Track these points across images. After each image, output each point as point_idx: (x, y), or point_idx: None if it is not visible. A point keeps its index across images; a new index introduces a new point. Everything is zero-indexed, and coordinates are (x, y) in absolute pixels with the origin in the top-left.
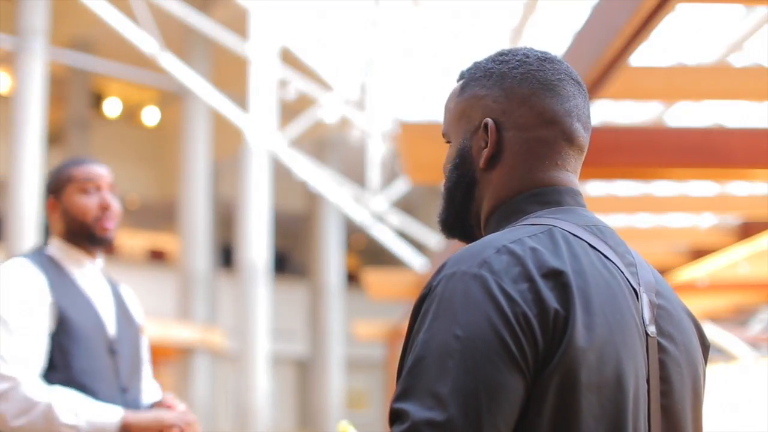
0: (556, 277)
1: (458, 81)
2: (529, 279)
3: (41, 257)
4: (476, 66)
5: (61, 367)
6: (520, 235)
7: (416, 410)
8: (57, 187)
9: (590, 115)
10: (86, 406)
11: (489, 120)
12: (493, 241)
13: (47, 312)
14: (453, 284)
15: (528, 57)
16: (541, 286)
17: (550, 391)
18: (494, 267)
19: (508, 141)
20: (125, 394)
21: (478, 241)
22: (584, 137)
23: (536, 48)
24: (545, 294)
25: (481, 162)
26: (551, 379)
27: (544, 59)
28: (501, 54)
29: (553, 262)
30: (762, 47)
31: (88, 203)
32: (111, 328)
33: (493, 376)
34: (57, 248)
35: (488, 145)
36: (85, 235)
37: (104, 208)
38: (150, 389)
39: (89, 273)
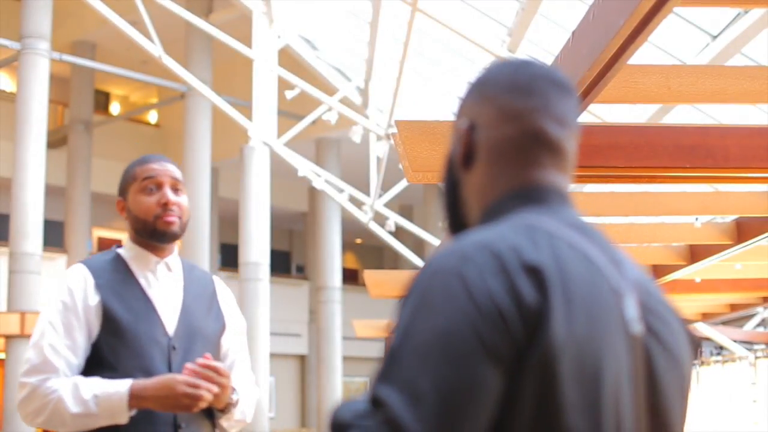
0: (536, 272)
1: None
2: (508, 275)
3: (104, 258)
4: (476, 76)
5: (110, 366)
6: (501, 232)
7: (395, 402)
8: (123, 188)
9: (571, 113)
10: (93, 387)
11: (463, 122)
12: (474, 238)
13: (93, 312)
14: (434, 281)
15: (509, 63)
16: (521, 281)
17: (531, 386)
18: (474, 263)
19: (479, 141)
20: None
21: (460, 239)
22: (557, 134)
23: (524, 56)
24: (524, 289)
25: (457, 162)
26: (531, 373)
27: (523, 63)
28: (493, 63)
29: (534, 258)
30: (760, 48)
31: (148, 201)
32: (171, 326)
33: (471, 373)
34: (126, 248)
35: (461, 145)
36: (149, 233)
37: (163, 204)
38: (239, 382)
39: (158, 272)
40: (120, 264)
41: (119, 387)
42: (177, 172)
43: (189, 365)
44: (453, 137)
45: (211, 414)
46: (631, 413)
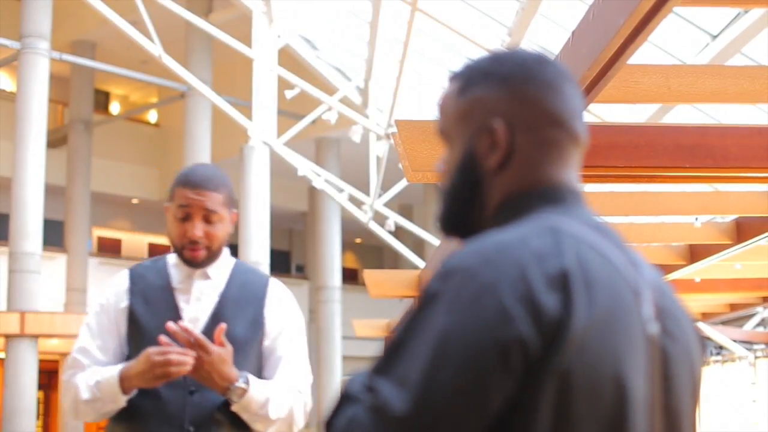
0: (558, 279)
1: (452, 81)
2: (528, 283)
3: (150, 264)
4: (472, 68)
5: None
6: (524, 235)
7: (386, 392)
8: (169, 197)
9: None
10: (98, 373)
11: (499, 121)
12: (497, 240)
13: (121, 315)
14: (449, 279)
15: (526, 59)
16: (540, 290)
17: (548, 394)
18: (493, 267)
19: (518, 143)
20: (191, 395)
21: (480, 239)
22: (586, 136)
23: (529, 50)
24: (543, 299)
25: (492, 163)
26: (548, 381)
27: (542, 61)
28: (497, 56)
29: (558, 265)
30: (760, 48)
31: (178, 230)
32: (195, 331)
33: (471, 381)
34: (173, 255)
35: (499, 146)
36: (178, 255)
37: (189, 238)
38: (275, 381)
39: (195, 278)
40: (162, 270)
41: (113, 371)
42: (212, 202)
43: (170, 324)
44: (467, 132)
45: (232, 420)
46: (646, 415)
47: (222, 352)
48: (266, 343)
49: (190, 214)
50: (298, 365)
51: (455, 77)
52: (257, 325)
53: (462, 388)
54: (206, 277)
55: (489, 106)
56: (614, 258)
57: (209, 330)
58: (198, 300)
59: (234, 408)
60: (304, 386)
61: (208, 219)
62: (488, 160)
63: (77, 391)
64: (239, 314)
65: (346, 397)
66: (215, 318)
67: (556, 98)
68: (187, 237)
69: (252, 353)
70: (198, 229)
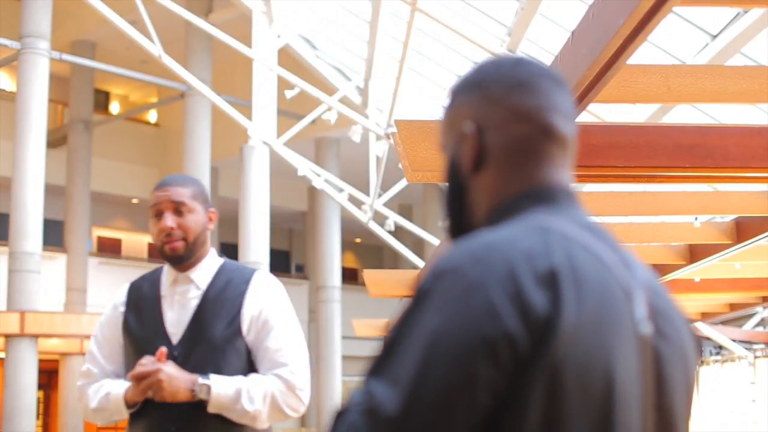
0: (547, 277)
1: (447, 96)
2: (517, 281)
3: (149, 274)
4: (460, 78)
5: (129, 370)
6: (513, 234)
7: (379, 394)
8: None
9: (572, 108)
10: (108, 387)
11: (469, 124)
12: (486, 239)
13: (119, 325)
14: (439, 280)
15: (502, 63)
16: (529, 289)
17: (538, 392)
18: (482, 267)
19: (489, 143)
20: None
21: (470, 239)
22: (565, 130)
23: (514, 54)
24: (532, 297)
25: (466, 167)
26: (538, 380)
27: (518, 61)
28: (480, 65)
29: (547, 264)
30: (760, 48)
31: (154, 230)
32: (176, 335)
33: (461, 379)
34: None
35: (471, 147)
36: (163, 257)
37: (163, 231)
38: (254, 375)
39: (179, 284)
40: (156, 280)
41: (120, 388)
42: (179, 194)
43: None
44: (452, 140)
45: (216, 420)
46: (639, 415)
47: (168, 367)
48: (250, 337)
49: (161, 210)
50: (285, 352)
51: (449, 91)
52: (234, 322)
53: (452, 386)
54: (189, 281)
55: (464, 112)
56: (606, 258)
57: (191, 333)
58: (181, 305)
59: (210, 409)
60: (288, 371)
61: (177, 211)
62: (466, 163)
63: (88, 400)
64: (218, 313)
65: (345, 410)
66: (195, 320)
67: (524, 95)
68: (162, 232)
69: (232, 351)
70: (169, 221)
